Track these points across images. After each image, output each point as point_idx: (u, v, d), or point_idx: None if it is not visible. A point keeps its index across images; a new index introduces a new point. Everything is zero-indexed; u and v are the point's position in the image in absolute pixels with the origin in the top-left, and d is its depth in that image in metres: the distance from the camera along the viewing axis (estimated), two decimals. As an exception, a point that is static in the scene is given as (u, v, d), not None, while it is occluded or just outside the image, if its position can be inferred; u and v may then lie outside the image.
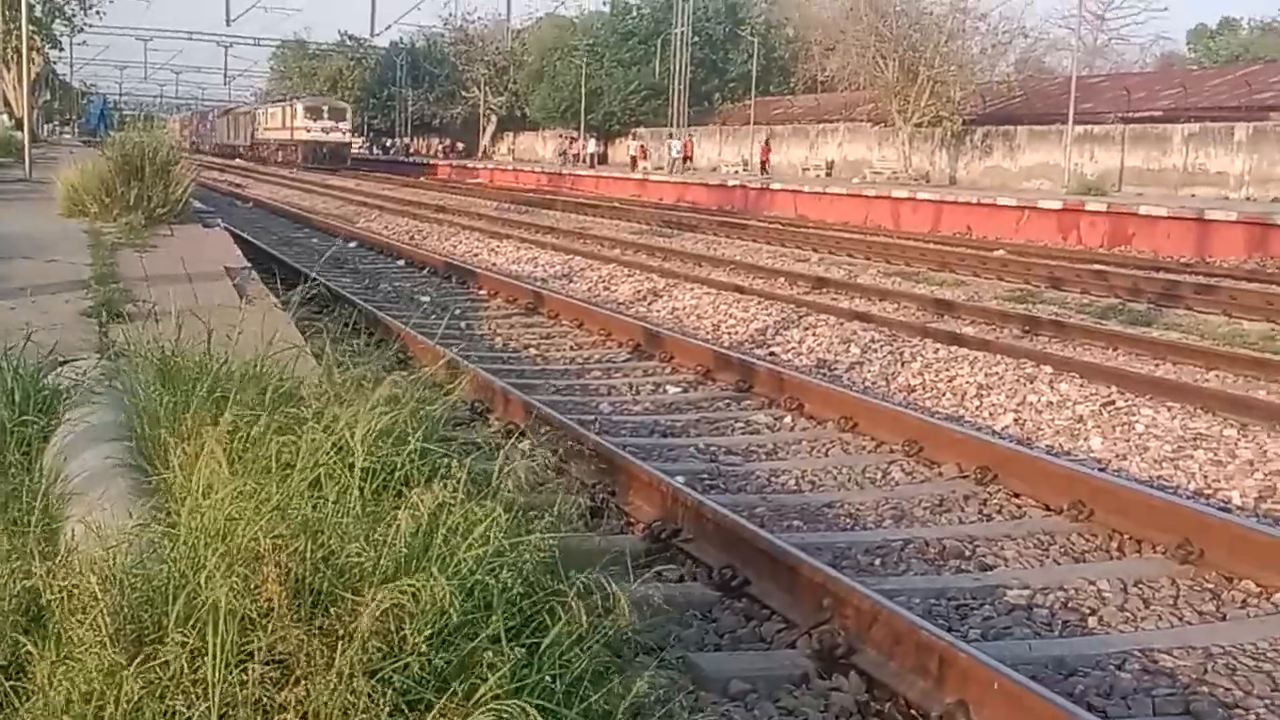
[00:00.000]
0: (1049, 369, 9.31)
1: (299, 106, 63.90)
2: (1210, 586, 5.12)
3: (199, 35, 74.78)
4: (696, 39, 52.88)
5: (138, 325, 6.02)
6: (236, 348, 4.99)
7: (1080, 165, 35.29)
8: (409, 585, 2.61)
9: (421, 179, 53.84)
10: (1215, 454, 7.23)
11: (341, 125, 64.22)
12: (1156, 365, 10.36)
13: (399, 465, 3.62)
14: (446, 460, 3.79)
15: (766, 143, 47.10)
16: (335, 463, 3.39)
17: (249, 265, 11.26)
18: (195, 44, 79.48)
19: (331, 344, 5.44)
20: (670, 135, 50.20)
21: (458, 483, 3.38)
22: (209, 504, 2.98)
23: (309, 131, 62.16)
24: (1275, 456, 7.11)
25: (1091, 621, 4.82)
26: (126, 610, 2.64)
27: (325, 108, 64.23)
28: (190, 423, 3.77)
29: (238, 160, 69.37)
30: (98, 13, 47.88)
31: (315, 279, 11.31)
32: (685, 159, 48.40)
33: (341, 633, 2.55)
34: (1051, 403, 8.46)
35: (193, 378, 4.47)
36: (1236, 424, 7.82)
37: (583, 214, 30.06)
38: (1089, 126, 36.12)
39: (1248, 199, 30.17)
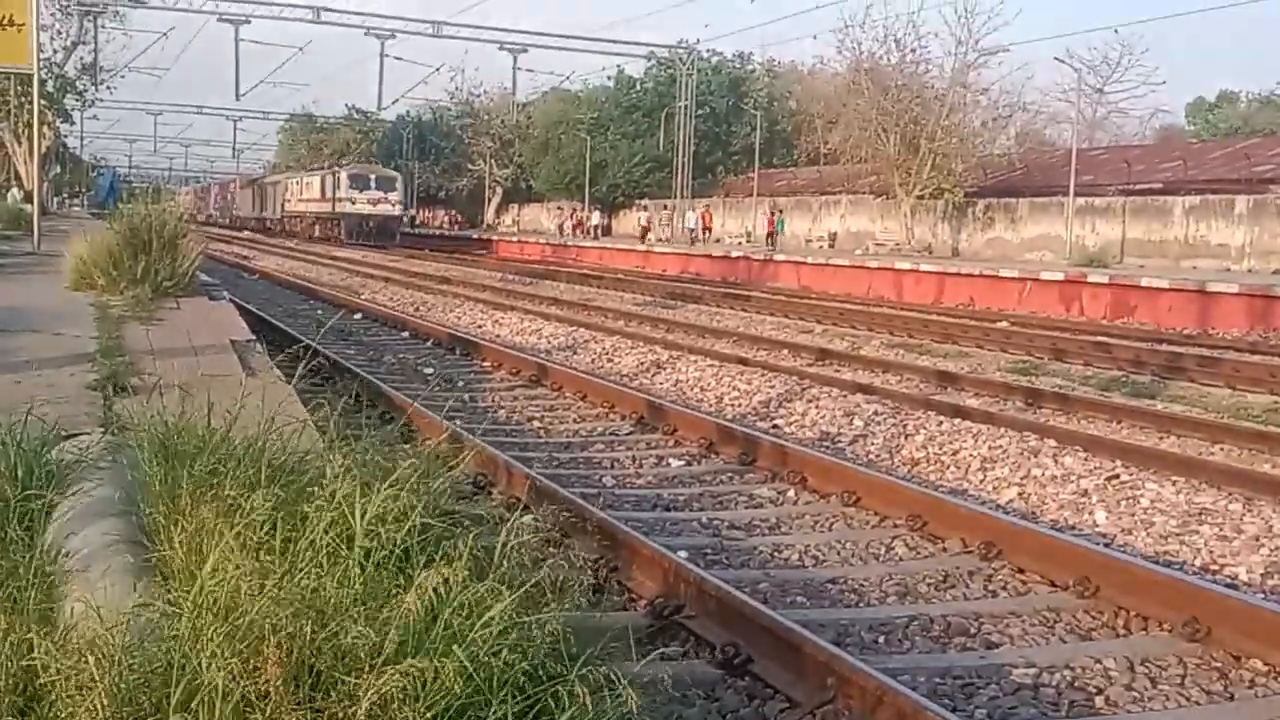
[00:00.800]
0: (1053, 442, 9.30)
1: (343, 175, 58.06)
2: (1218, 665, 5.07)
3: (208, 109, 75.85)
4: (700, 112, 53.51)
5: (142, 399, 6.03)
6: (239, 421, 5.00)
7: (1082, 237, 35.52)
8: (411, 668, 2.59)
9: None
10: (1221, 529, 7.20)
11: (390, 196, 57.43)
12: (1161, 438, 10.34)
13: (402, 542, 3.61)
14: (450, 537, 3.79)
15: (772, 214, 47.28)
16: (338, 540, 3.39)
17: (254, 338, 11.30)
18: (204, 117, 79.28)
19: (335, 417, 5.46)
20: (690, 207, 50.58)
21: (461, 561, 3.37)
22: (210, 583, 2.97)
23: (354, 203, 56.32)
24: (1281, 532, 7.07)
25: (1098, 701, 4.77)
26: (124, 692, 2.62)
27: (373, 177, 58.26)
28: (191, 499, 3.77)
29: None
30: (109, 88, 48.53)
31: (320, 351, 11.36)
32: (705, 229, 48.57)
33: (341, 716, 2.53)
34: (1056, 476, 8.44)
35: (195, 452, 4.47)
36: (1242, 498, 7.80)
37: (587, 285, 30.19)
38: (1090, 199, 36.40)
39: (1249, 271, 30.30)
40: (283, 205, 66.91)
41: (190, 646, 2.69)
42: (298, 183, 65.79)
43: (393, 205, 57.68)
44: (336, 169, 60.13)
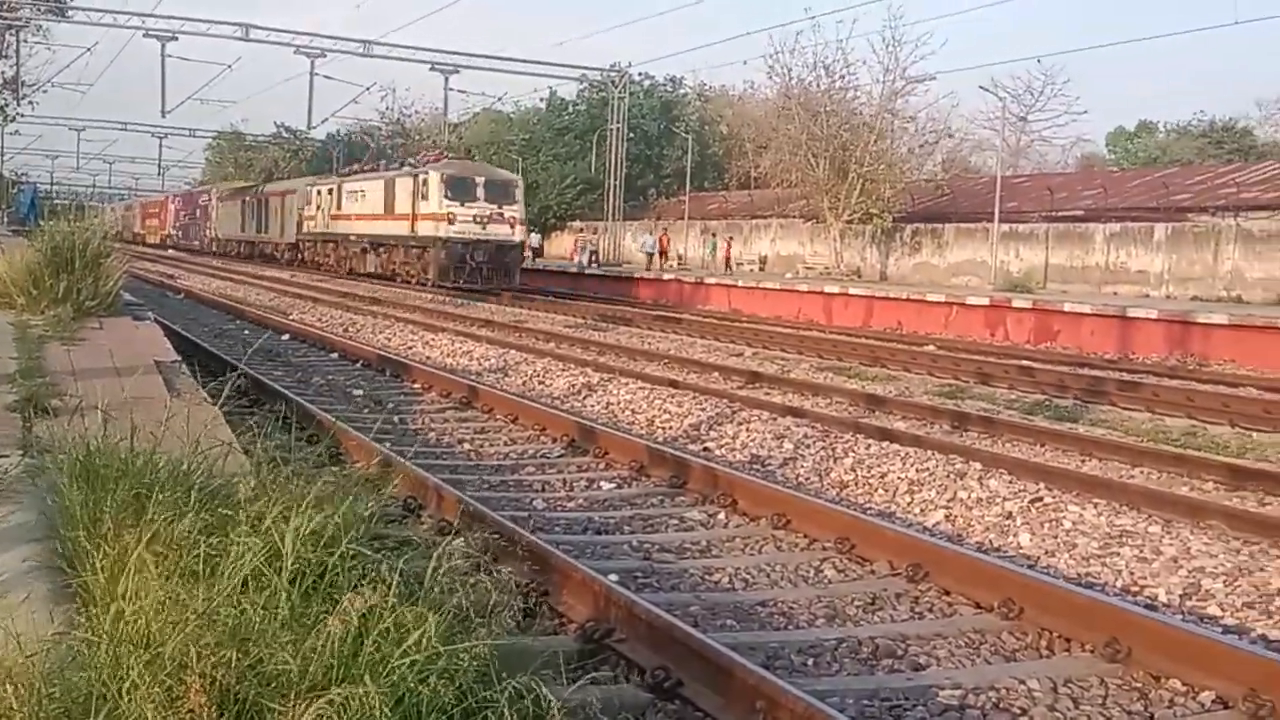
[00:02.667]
0: (978, 465, 9.43)
1: (433, 177, 36.17)
2: (1138, 685, 5.17)
3: (133, 126, 74.10)
4: (632, 135, 53.67)
5: (63, 421, 5.92)
6: (164, 444, 4.92)
7: (1006, 262, 36.13)
8: (338, 695, 2.57)
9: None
10: (1141, 550, 7.34)
11: (508, 211, 36.49)
12: (1083, 461, 10.54)
13: (329, 567, 3.57)
14: (378, 562, 3.76)
15: (730, 238, 46.98)
16: (263, 566, 3.35)
17: (179, 359, 11.14)
18: (129, 134, 76.01)
19: (262, 440, 5.40)
20: (648, 230, 50.31)
21: (389, 586, 3.35)
22: (131, 610, 2.92)
23: (453, 221, 35.29)
24: (1198, 553, 7.24)
25: (1023, 721, 4.83)
26: (44, 722, 2.57)
27: (481, 180, 36.58)
28: (113, 524, 3.71)
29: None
30: (31, 103, 47.60)
31: (247, 372, 11.21)
32: (662, 254, 48.41)
33: (266, 745, 2.50)
34: (981, 499, 8.56)
35: (118, 476, 4.40)
36: (1161, 520, 7.98)
37: (519, 307, 30.13)
38: (1014, 225, 37.05)
39: (1167, 297, 31.03)
40: (299, 224, 48.52)
41: (111, 675, 2.65)
42: (330, 191, 44.97)
43: (511, 225, 36.43)
44: (417, 166, 38.26)
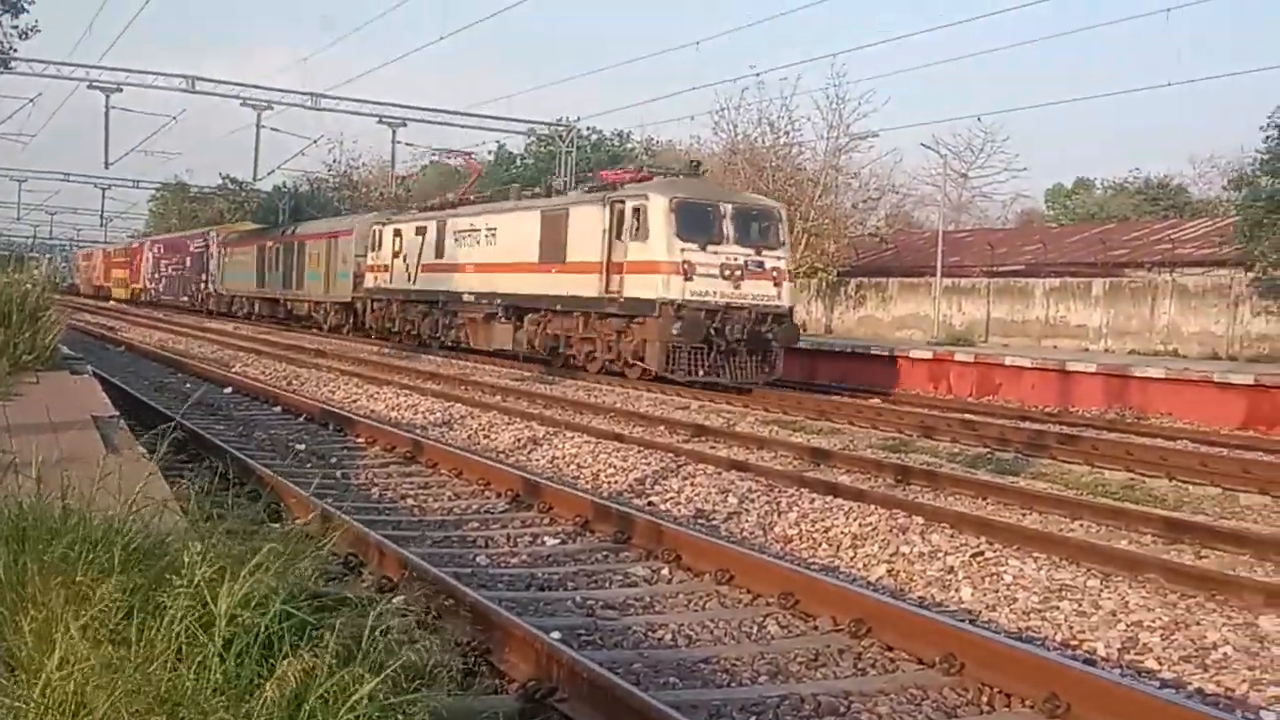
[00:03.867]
0: (920, 520, 9.49)
1: (655, 205, 22.82)
2: (1077, 740, 5.20)
3: (76, 177, 73.25)
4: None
5: (-6, 479, 5.81)
6: (98, 502, 4.84)
7: (949, 316, 36.62)
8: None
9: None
10: (1080, 605, 7.41)
11: (769, 259, 23.26)
12: (1024, 515, 10.64)
13: (266, 628, 3.52)
14: (318, 625, 3.71)
15: None
16: (197, 627, 3.30)
17: (117, 413, 10.99)
18: (72, 185, 74.23)
19: (201, 497, 5.32)
20: None
21: (326, 648, 3.31)
22: (57, 676, 2.87)
23: (690, 276, 22.27)
24: (1136, 607, 7.32)
25: (964, 778, 4.84)
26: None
27: (727, 211, 23.33)
28: (41, 586, 3.64)
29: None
30: (-31, 153, 47.08)
31: (187, 427, 11.07)
32: None
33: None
34: (923, 553, 8.61)
35: (49, 536, 4.32)
36: (1100, 574, 8.06)
37: (465, 360, 30.02)
38: (956, 279, 37.61)
39: (1106, 350, 31.56)
40: (358, 277, 36.88)
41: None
42: (418, 230, 32.77)
43: (776, 283, 23.38)
44: (638, 191, 23.68)
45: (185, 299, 58.04)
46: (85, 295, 78.91)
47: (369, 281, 35.80)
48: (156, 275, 65.22)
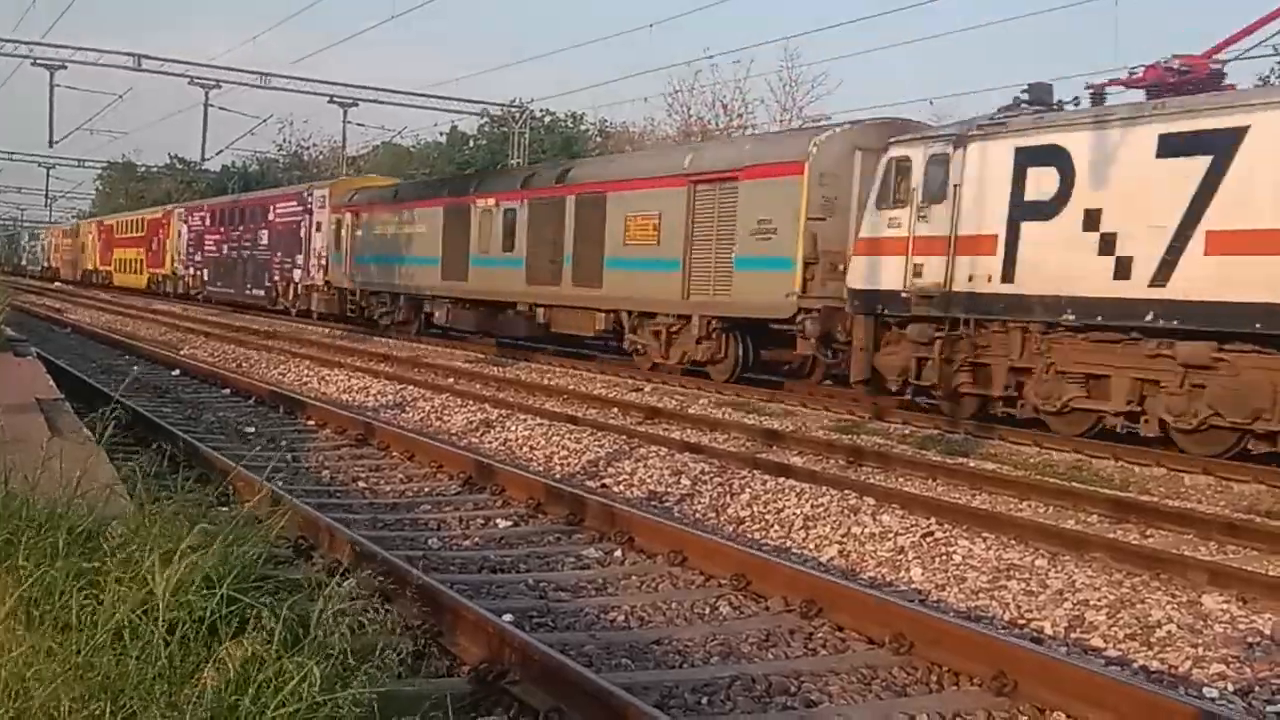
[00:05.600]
0: (872, 500, 9.56)
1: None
2: (1025, 718, 5.26)
3: (20, 155, 71.87)
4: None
5: (-66, 463, 5.70)
6: (41, 486, 4.77)
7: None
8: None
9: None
10: (1028, 584, 7.49)
11: None
12: (973, 495, 10.73)
13: (211, 612, 3.48)
14: (263, 607, 3.67)
15: None
16: (140, 612, 3.25)
17: (62, 396, 10.83)
18: (14, 164, 72.18)
19: (147, 480, 5.25)
20: None
21: (270, 633, 3.27)
22: (0, 662, 2.82)
23: None
24: (1083, 586, 7.41)
25: (913, 756, 4.88)
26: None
27: None
28: (-17, 572, 3.58)
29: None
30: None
31: (135, 409, 10.93)
32: None
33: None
34: (874, 534, 8.67)
35: (-9, 521, 4.25)
36: (1047, 554, 8.15)
37: (418, 341, 29.84)
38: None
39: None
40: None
41: (-27, 732, 2.55)
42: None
43: None
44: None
45: (259, 293, 40.22)
46: (69, 282, 69.05)
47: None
48: (198, 259, 47.40)
